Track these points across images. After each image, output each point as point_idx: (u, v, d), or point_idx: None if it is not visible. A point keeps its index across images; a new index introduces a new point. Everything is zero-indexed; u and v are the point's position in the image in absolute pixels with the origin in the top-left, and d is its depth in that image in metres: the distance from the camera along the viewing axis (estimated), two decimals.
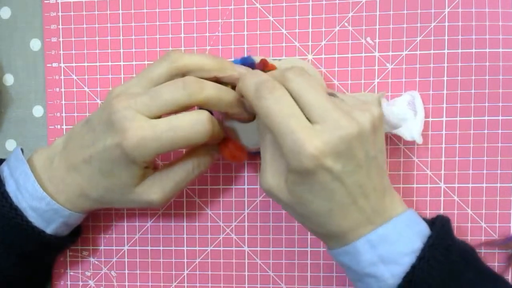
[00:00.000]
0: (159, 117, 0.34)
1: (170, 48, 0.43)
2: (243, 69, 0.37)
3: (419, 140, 0.39)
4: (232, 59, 0.38)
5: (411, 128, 0.39)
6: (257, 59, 0.38)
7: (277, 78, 0.33)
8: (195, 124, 0.33)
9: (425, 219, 0.36)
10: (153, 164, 0.38)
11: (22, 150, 0.39)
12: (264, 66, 0.37)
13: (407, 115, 0.39)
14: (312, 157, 0.30)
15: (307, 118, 0.32)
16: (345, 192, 0.32)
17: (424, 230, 0.34)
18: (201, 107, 0.35)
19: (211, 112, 0.35)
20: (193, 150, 0.38)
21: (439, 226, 0.34)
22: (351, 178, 0.32)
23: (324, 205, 0.33)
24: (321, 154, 0.30)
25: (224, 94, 0.35)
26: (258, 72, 0.34)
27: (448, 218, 0.36)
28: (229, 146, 0.37)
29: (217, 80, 0.36)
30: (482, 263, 0.35)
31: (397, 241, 0.33)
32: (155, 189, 0.36)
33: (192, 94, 0.33)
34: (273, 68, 0.37)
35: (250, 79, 0.33)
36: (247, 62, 0.37)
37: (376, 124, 0.32)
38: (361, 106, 0.33)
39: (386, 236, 0.33)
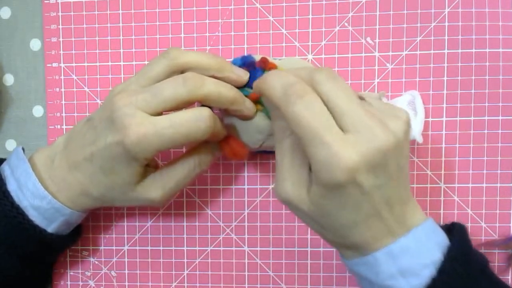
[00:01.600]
0: (160, 114, 0.34)
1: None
2: (242, 72, 0.37)
3: (419, 139, 0.39)
4: (232, 58, 0.38)
5: (411, 128, 0.39)
6: (257, 58, 0.38)
7: (303, 79, 0.31)
8: (196, 121, 0.33)
9: (441, 226, 0.34)
10: (154, 162, 0.38)
11: (23, 149, 0.39)
12: (265, 65, 0.37)
13: None
14: (347, 171, 0.29)
15: (338, 125, 0.30)
16: (372, 205, 0.31)
17: (443, 241, 0.33)
18: (202, 103, 0.35)
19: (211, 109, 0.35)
20: (194, 148, 0.38)
21: (459, 237, 0.33)
22: (380, 191, 0.30)
23: (349, 217, 0.31)
24: (356, 168, 0.29)
25: (225, 90, 0.35)
26: (282, 72, 0.32)
27: (465, 227, 0.34)
28: (230, 143, 0.37)
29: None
30: (495, 274, 0.34)
31: (418, 252, 0.32)
32: (156, 187, 0.36)
33: (192, 90, 0.33)
34: (273, 66, 0.37)
35: (277, 80, 0.31)
36: (247, 61, 0.37)
37: (407, 131, 0.31)
38: (391, 111, 0.32)
39: (407, 247, 0.32)
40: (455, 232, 0.33)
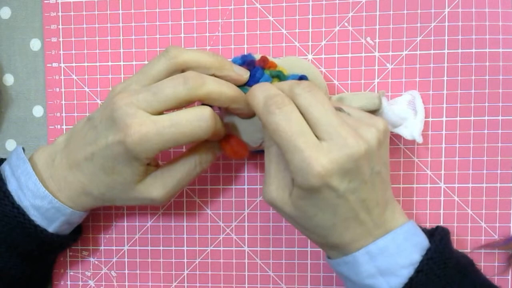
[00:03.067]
0: (161, 113, 0.34)
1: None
2: (242, 70, 0.37)
3: (419, 139, 0.39)
4: (232, 57, 0.38)
5: (411, 127, 0.39)
6: (257, 57, 0.38)
7: (285, 92, 0.34)
8: (197, 120, 0.33)
9: (424, 230, 0.36)
10: (154, 161, 0.38)
11: (23, 149, 0.39)
12: (264, 63, 0.37)
13: (408, 114, 0.39)
14: (319, 176, 0.31)
15: (315, 134, 0.32)
16: (348, 207, 0.33)
17: (423, 242, 0.34)
18: (202, 102, 0.35)
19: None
20: (194, 147, 0.38)
21: (438, 239, 0.34)
22: (355, 194, 0.32)
23: (327, 219, 0.33)
24: (328, 173, 0.31)
25: (225, 89, 0.35)
26: (266, 85, 0.35)
27: (448, 230, 0.36)
28: (230, 142, 0.37)
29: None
30: (480, 276, 0.36)
31: (396, 253, 0.33)
32: (157, 186, 0.36)
33: (193, 89, 0.34)
34: (273, 65, 0.37)
35: (259, 92, 0.34)
36: (247, 59, 0.37)
37: (381, 139, 0.33)
38: (367, 120, 0.33)
39: (386, 248, 0.33)
40: (436, 234, 0.35)
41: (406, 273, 0.33)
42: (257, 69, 0.37)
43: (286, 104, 0.32)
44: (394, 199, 0.36)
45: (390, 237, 0.34)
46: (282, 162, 0.34)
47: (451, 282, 0.33)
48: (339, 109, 0.34)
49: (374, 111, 0.38)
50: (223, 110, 0.38)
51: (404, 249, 0.33)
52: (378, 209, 0.34)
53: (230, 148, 0.37)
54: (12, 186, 0.37)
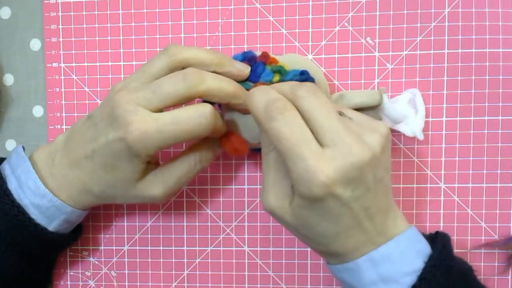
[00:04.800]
0: (161, 110, 0.34)
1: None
2: (242, 66, 0.37)
3: (420, 136, 0.38)
4: (233, 54, 0.38)
5: (412, 125, 0.39)
6: (258, 54, 0.38)
7: (287, 95, 0.32)
8: (197, 117, 0.33)
9: (425, 235, 0.35)
10: (155, 159, 0.38)
11: (23, 148, 0.39)
12: (266, 59, 0.37)
13: (408, 112, 0.39)
14: (323, 186, 0.30)
15: (317, 140, 0.31)
16: (352, 216, 0.32)
17: (424, 249, 0.34)
18: (203, 99, 0.35)
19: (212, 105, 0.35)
20: (195, 145, 0.38)
21: (441, 246, 0.34)
22: (359, 202, 0.31)
23: (329, 228, 0.32)
24: (332, 183, 0.30)
25: (225, 85, 0.35)
26: (266, 88, 0.33)
27: (448, 236, 0.35)
28: (231, 139, 0.37)
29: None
30: (479, 283, 0.35)
31: (399, 260, 0.33)
32: (157, 184, 0.36)
33: (193, 86, 0.34)
34: (274, 61, 0.37)
35: (259, 97, 0.32)
36: (248, 56, 0.37)
37: (384, 144, 0.32)
38: (369, 124, 0.33)
39: (388, 255, 0.33)
40: (437, 240, 0.34)
41: (409, 280, 0.32)
42: (258, 64, 0.37)
43: (288, 109, 0.31)
44: (395, 204, 0.35)
45: (393, 244, 0.33)
46: (281, 169, 0.34)
47: None
48: (340, 113, 0.33)
49: (375, 107, 0.38)
50: (223, 107, 0.38)
51: (407, 256, 0.33)
52: (381, 216, 0.33)
53: (230, 145, 0.37)
54: (12, 185, 0.37)
